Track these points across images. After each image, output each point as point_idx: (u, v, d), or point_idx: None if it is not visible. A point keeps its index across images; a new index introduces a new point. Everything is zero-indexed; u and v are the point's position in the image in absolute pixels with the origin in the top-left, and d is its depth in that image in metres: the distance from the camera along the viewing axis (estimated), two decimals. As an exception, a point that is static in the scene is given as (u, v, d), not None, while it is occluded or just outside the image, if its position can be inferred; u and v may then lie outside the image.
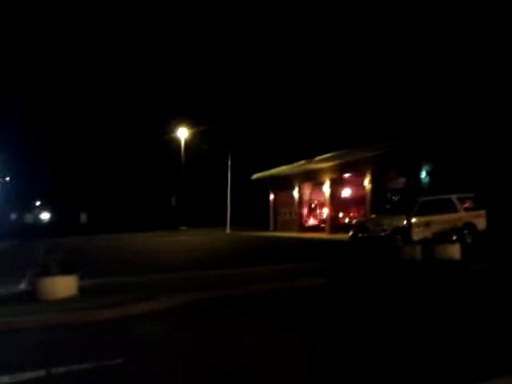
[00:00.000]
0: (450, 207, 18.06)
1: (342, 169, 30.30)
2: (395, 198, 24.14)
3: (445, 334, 6.17)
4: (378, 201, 25.41)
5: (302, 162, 31.87)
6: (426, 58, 26.70)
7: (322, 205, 33.33)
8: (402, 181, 25.12)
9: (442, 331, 6.32)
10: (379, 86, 35.08)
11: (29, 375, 5.05)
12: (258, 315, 7.82)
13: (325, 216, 32.28)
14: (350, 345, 5.87)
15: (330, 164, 30.79)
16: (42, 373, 5.12)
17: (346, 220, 29.72)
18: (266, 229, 37.97)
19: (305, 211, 35.36)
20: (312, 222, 34.28)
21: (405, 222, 14.84)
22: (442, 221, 16.90)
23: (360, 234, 18.18)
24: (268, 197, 39.50)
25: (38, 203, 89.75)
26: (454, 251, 13.00)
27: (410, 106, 15.28)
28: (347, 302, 8.77)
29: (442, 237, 13.37)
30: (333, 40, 44.13)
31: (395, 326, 6.73)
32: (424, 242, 13.60)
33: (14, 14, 65.19)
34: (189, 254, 19.15)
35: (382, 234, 17.09)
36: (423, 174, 23.73)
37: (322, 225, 32.21)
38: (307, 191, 35.42)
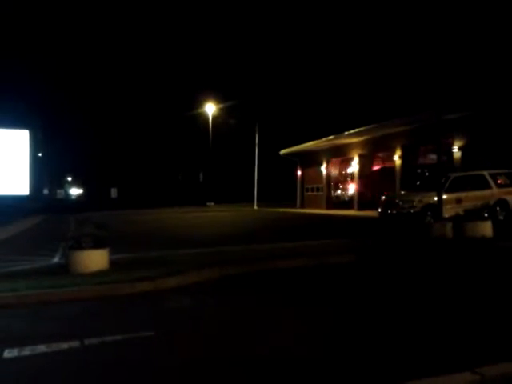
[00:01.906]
0: (482, 183, 17.65)
1: (371, 144, 29.88)
2: (426, 174, 23.74)
3: (470, 315, 6.08)
4: (408, 177, 25.03)
5: (331, 137, 31.50)
6: (456, 29, 25.85)
7: (350, 181, 33.03)
8: (432, 156, 24.62)
9: (469, 311, 6.24)
10: (409, 58, 34.23)
11: (64, 345, 5.20)
12: (285, 291, 7.85)
13: (352, 192, 32.00)
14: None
15: (359, 139, 30.38)
16: (76, 343, 5.26)
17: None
18: (293, 205, 37.93)
19: (333, 187, 35.12)
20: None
21: (435, 199, 14.57)
22: (473, 197, 16.56)
23: (389, 211, 17.97)
24: (295, 173, 39.34)
25: (69, 179, 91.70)
26: (486, 228, 12.72)
27: (441, 78, 14.82)
28: (375, 280, 8.72)
29: (474, 214, 13.10)
30: (360, 15, 43.09)
31: (421, 306, 6.66)
32: (455, 218, 13.36)
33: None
34: (217, 229, 19.32)
35: (412, 211, 16.85)
36: (455, 150, 23.19)
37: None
38: (335, 167, 35.12)
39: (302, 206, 37.40)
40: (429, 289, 7.64)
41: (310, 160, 36.75)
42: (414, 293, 7.39)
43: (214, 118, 44.36)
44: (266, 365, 4.52)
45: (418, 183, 20.07)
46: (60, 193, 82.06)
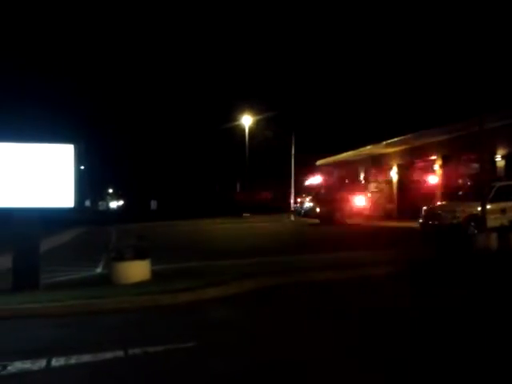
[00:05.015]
0: (528, 193, 17.04)
1: (410, 154, 29.42)
2: (468, 184, 23.14)
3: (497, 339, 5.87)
4: (450, 187, 24.46)
5: (368, 147, 31.20)
6: (496, 34, 25.21)
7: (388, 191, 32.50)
8: (475, 165, 24.00)
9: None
10: (449, 64, 33.63)
11: (108, 355, 5.30)
12: (328, 304, 7.78)
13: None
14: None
15: (398, 149, 29.96)
16: (120, 353, 5.36)
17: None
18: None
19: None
20: None
21: (478, 209, 14.17)
22: (519, 207, 16.02)
23: (431, 222, 17.56)
24: (333, 183, 39.01)
25: (110, 191, 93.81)
26: (533, 240, 12.29)
27: (482, 85, 14.42)
28: (415, 296, 8.51)
29: (520, 224, 12.69)
30: (398, 24, 42.71)
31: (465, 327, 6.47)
32: (500, 229, 12.95)
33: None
34: (254, 240, 19.31)
35: (455, 222, 16.40)
36: (498, 158, 22.54)
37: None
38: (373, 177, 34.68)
39: (340, 217, 36.96)
40: (476, 307, 7.42)
41: (347, 170, 36.49)
42: (457, 312, 7.19)
43: (250, 129, 44.57)
44: (307, 377, 4.49)
45: (460, 193, 19.58)
46: (102, 204, 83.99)
